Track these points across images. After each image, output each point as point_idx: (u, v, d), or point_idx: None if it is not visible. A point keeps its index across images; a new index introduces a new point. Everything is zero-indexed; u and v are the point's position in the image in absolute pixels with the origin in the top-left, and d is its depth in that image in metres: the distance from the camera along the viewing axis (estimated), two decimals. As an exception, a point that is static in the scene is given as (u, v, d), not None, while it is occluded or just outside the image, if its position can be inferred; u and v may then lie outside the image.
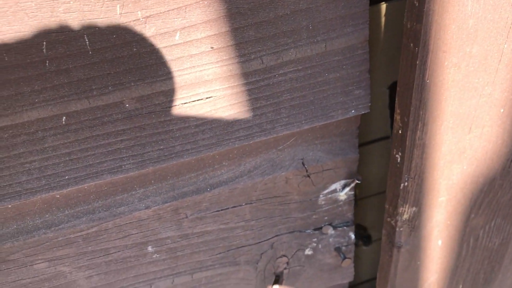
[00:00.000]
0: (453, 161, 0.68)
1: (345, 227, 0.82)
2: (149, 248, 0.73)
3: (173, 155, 0.60)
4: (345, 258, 0.84)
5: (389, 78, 0.71)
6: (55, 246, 0.67)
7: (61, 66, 0.50)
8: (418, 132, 0.62)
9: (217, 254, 0.78)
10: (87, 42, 0.49)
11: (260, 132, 0.62)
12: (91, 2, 0.47)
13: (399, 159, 0.67)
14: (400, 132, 0.64)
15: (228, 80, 0.57)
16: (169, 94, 0.55)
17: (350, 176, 0.75)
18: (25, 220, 0.64)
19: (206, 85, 0.56)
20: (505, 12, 0.53)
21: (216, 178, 0.68)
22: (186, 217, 0.71)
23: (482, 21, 0.53)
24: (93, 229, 0.67)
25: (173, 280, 0.79)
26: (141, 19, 0.49)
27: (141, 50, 0.51)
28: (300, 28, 0.55)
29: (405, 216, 0.74)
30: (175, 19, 0.50)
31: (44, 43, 0.48)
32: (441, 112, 0.61)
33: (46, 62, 0.49)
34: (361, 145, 0.77)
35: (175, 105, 0.56)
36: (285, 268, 0.85)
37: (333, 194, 0.77)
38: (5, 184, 0.56)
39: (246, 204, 0.73)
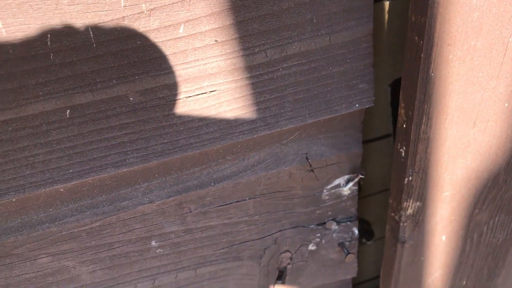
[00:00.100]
0: (457, 156, 0.67)
1: (348, 222, 0.82)
2: (153, 243, 0.73)
3: (177, 149, 0.60)
4: (348, 253, 0.84)
5: (391, 75, 0.71)
6: (59, 241, 0.67)
7: (66, 59, 0.50)
8: (423, 126, 0.62)
9: (220, 249, 0.78)
10: (92, 35, 0.49)
11: (264, 126, 0.62)
12: (95, -6, 0.47)
13: (403, 154, 0.67)
14: (404, 126, 0.64)
15: (232, 73, 0.57)
16: (173, 87, 0.55)
17: (354, 171, 0.75)
18: (29, 214, 0.64)
19: (210, 78, 0.56)
20: (510, 5, 0.53)
21: (220, 172, 0.68)
22: (190, 211, 0.71)
23: (487, 14, 0.53)
24: (97, 223, 0.67)
25: (177, 275, 0.79)
26: (145, 12, 0.49)
27: (145, 43, 0.51)
28: (304, 21, 0.55)
29: (409, 211, 0.74)
30: (179, 12, 0.50)
31: (49, 36, 0.48)
32: (446, 106, 0.61)
33: (50, 55, 0.49)
34: (363, 142, 0.77)
35: (179, 99, 0.56)
36: (288, 264, 0.85)
37: (336, 189, 0.76)
38: (9, 178, 0.56)
39: (249, 198, 0.73)
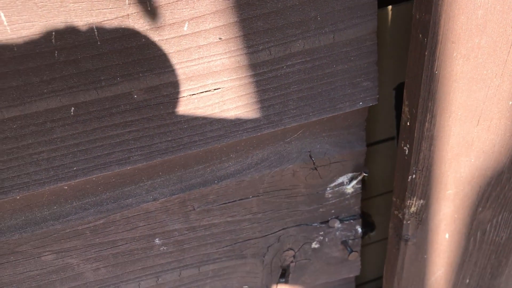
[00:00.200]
0: (461, 154, 0.67)
1: (352, 221, 0.82)
2: (157, 241, 0.73)
3: (181, 147, 0.60)
4: (352, 251, 0.84)
5: (396, 79, 0.72)
6: (63, 238, 0.67)
7: (70, 56, 0.50)
8: (427, 124, 0.62)
9: (224, 247, 0.78)
10: (96, 33, 0.49)
11: (267, 124, 0.62)
12: (100, -8, 0.47)
13: (407, 151, 0.67)
14: (408, 124, 0.64)
15: (236, 71, 0.57)
16: (177, 85, 0.55)
17: (357, 169, 0.75)
18: (33, 211, 0.64)
19: (214, 76, 0.56)
20: (515, 2, 0.53)
21: (224, 170, 0.68)
22: (194, 209, 0.71)
23: (492, 11, 0.53)
24: (101, 221, 0.67)
25: (180, 273, 0.79)
26: (149, 9, 0.49)
27: (150, 41, 0.51)
28: (309, 19, 0.55)
29: (413, 209, 0.74)
30: (184, 10, 0.50)
31: (53, 33, 0.48)
32: (450, 103, 0.61)
33: (55, 53, 0.49)
34: (367, 145, 0.77)
35: (183, 96, 0.57)
36: (291, 262, 0.85)
37: (340, 187, 0.76)
38: (13, 175, 0.57)
39: (253, 196, 0.73)
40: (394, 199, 0.76)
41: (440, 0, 0.51)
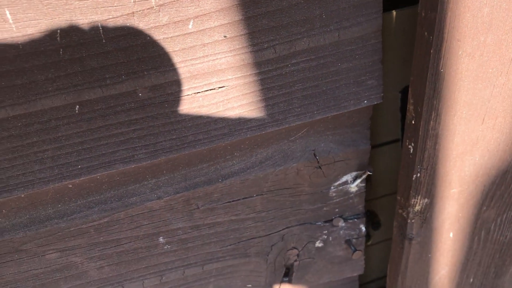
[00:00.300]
0: (465, 152, 0.67)
1: (356, 219, 0.82)
2: (161, 239, 0.73)
3: (185, 145, 0.60)
4: (355, 250, 0.84)
5: (401, 82, 0.71)
6: (67, 236, 0.67)
7: (75, 54, 0.50)
8: (432, 122, 0.62)
9: (227, 246, 0.78)
10: (101, 31, 0.49)
11: (272, 122, 0.62)
12: (105, -11, 0.47)
13: (411, 150, 0.67)
14: (413, 122, 0.64)
15: (240, 69, 0.56)
16: (182, 83, 0.55)
17: (361, 167, 0.75)
18: (38, 209, 0.64)
19: (218, 74, 0.56)
20: (521, 0, 0.53)
21: (228, 169, 0.68)
22: (198, 208, 0.71)
23: (497, 9, 0.53)
24: (105, 220, 0.67)
25: (184, 272, 0.79)
26: (155, 7, 0.49)
27: (155, 39, 0.51)
28: (313, 17, 0.55)
29: (417, 208, 0.73)
30: (189, 8, 0.50)
31: (58, 31, 0.48)
32: (455, 102, 0.60)
33: (60, 51, 0.49)
34: (372, 147, 0.77)
35: (188, 95, 0.56)
36: (295, 260, 0.85)
37: (344, 186, 0.76)
38: (18, 173, 0.57)
39: (257, 195, 0.73)
40: (399, 197, 0.76)
41: (445, -3, 0.51)
